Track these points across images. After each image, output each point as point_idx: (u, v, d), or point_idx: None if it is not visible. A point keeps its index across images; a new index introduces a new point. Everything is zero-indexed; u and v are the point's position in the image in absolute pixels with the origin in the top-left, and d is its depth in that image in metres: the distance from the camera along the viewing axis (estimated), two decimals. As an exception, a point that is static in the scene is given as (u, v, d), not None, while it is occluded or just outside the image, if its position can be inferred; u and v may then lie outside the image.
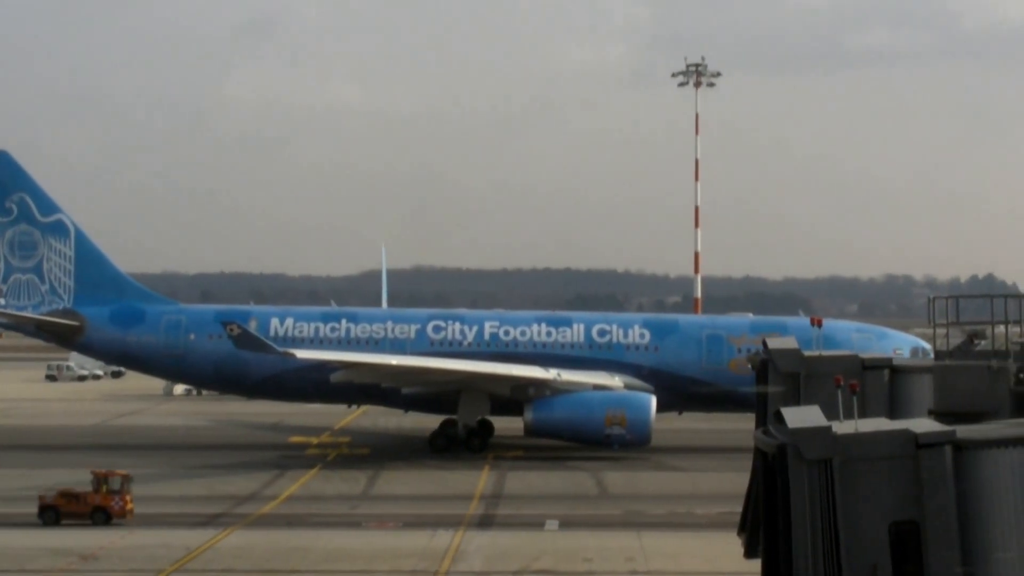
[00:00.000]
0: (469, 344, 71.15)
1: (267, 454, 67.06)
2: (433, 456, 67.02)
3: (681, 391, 69.30)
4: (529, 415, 66.12)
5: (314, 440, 73.61)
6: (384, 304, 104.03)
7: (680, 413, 71.88)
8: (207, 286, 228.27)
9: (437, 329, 71.73)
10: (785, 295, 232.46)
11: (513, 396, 67.03)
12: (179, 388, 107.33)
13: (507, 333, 71.46)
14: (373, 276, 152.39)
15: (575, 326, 71.71)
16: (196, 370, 72.71)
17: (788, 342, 30.83)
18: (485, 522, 48.57)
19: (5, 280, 73.24)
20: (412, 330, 71.64)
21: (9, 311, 72.79)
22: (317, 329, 71.82)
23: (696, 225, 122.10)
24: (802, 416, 19.42)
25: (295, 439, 74.21)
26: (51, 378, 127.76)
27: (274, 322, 71.68)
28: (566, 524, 48.09)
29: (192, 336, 71.54)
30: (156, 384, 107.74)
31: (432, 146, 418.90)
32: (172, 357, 71.97)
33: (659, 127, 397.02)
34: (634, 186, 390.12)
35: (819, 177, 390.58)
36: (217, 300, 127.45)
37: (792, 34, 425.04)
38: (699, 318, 76.27)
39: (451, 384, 67.68)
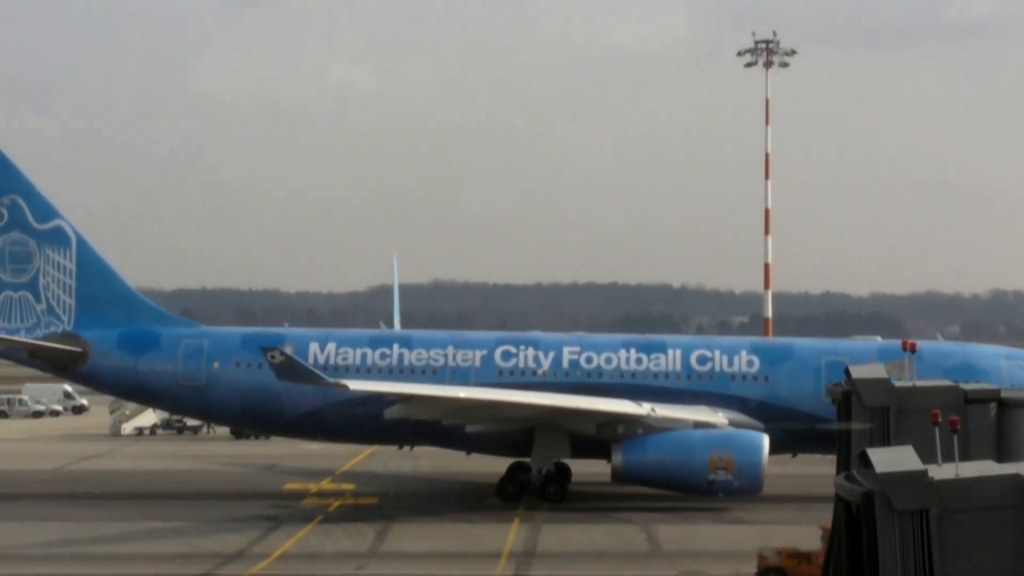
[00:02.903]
0: (544, 373, 70.72)
1: (257, 503, 67.10)
2: (454, 507, 66.87)
3: (795, 429, 68.43)
4: (618, 458, 65.65)
5: (312, 487, 73.66)
6: (396, 325, 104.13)
7: (794, 455, 71.21)
8: (187, 304, 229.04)
9: (507, 356, 71.33)
10: (873, 314, 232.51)
11: (599, 435, 66.56)
12: (128, 427, 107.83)
13: (589, 360, 70.91)
14: (383, 293, 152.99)
15: (670, 352, 71.11)
16: (220, 404, 72.16)
17: (875, 370, 30.74)
18: (515, 585, 48.52)
19: None
20: (477, 357, 71.22)
21: None
22: (364, 355, 71.48)
23: (766, 232, 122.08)
24: (892, 458, 19.31)
25: (290, 485, 74.30)
26: (1, 414, 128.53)
27: (313, 347, 71.42)
28: (612, 587, 47.96)
29: (216, 364, 71.24)
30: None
31: (453, 141, 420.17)
32: (192, 388, 71.55)
33: (721, 116, 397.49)
34: (692, 186, 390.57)
35: (913, 175, 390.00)
36: (201, 320, 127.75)
37: (880, 3, 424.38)
38: (817, 342, 75.04)
39: (524, 421, 67.37)
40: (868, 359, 66.17)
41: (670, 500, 66.97)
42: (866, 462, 19.47)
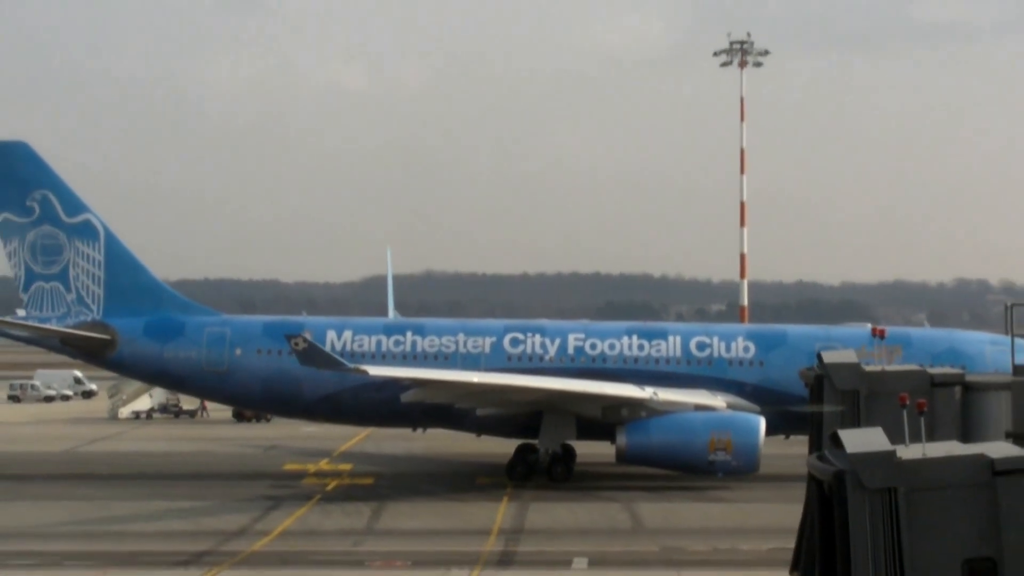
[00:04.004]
0: (551, 359, 70.82)
1: (258, 484, 67.11)
2: (446, 487, 66.89)
3: (789, 411, 68.26)
4: (623, 439, 65.57)
5: (311, 467, 73.67)
6: (391, 314, 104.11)
7: (787, 437, 71.09)
8: (190, 294, 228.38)
9: (515, 342, 71.44)
10: (843, 302, 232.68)
11: (604, 418, 66.65)
12: (125, 411, 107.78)
13: (594, 347, 71.02)
14: (377, 283, 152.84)
15: (671, 338, 71.32)
16: (242, 389, 72.28)
17: (846, 355, 30.79)
18: (505, 560, 48.41)
19: (26, 289, 72.78)
20: (487, 343, 71.38)
21: (31, 323, 72.33)
22: (379, 342, 71.61)
23: (742, 224, 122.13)
24: (862, 439, 19.34)
25: (290, 466, 74.31)
26: (14, 399, 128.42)
27: (330, 334, 71.47)
28: (596, 562, 47.85)
29: (238, 351, 71.40)
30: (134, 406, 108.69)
31: (444, 137, 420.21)
32: (215, 374, 71.67)
33: (699, 113, 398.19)
34: (671, 180, 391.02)
35: (881, 169, 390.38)
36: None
37: (850, 5, 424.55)
38: (811, 329, 74.93)
39: (533, 404, 67.48)
40: (859, 345, 65.99)
41: (651, 479, 67.15)
42: (837, 443, 19.51)
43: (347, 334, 71.89)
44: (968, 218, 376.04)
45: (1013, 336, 32.03)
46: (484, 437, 72.07)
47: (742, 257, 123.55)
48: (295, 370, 66.36)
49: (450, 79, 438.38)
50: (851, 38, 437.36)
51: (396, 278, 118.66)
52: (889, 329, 74.81)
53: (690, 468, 65.61)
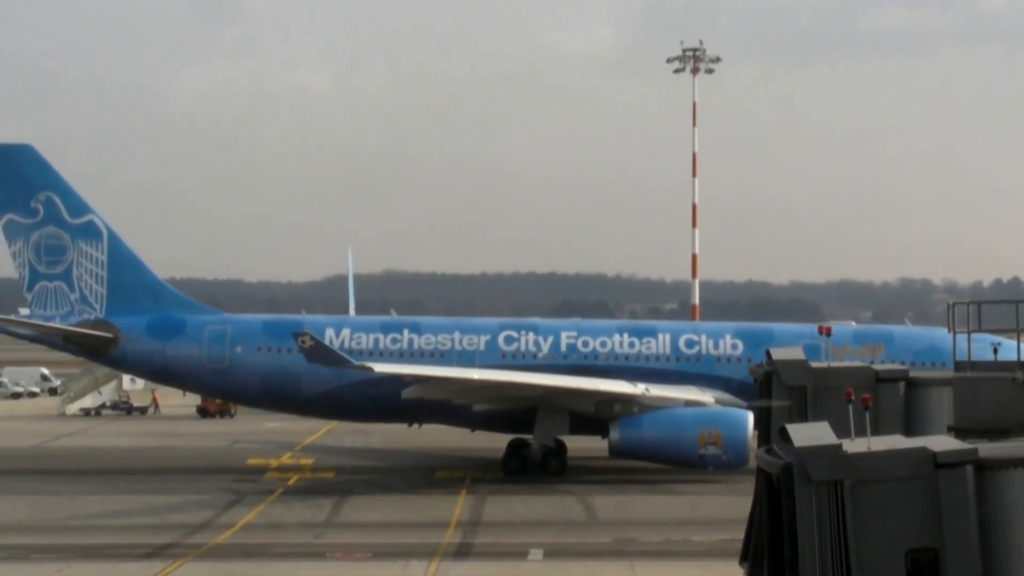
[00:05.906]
0: (544, 356, 70.80)
1: (221, 478, 66.81)
2: (405, 480, 66.81)
3: None
4: (616, 434, 65.63)
5: (273, 462, 73.45)
6: (352, 312, 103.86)
7: None
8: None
9: (509, 340, 71.41)
10: (792, 301, 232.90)
11: (597, 413, 66.62)
12: (73, 408, 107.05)
13: (586, 344, 71.11)
14: (339, 282, 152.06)
15: (660, 336, 71.42)
16: (242, 385, 72.14)
17: (794, 352, 30.90)
18: (463, 551, 48.38)
19: (31, 288, 72.53)
20: (481, 341, 71.29)
21: (35, 321, 72.11)
22: (377, 340, 71.50)
23: (694, 225, 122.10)
24: (809, 433, 19.40)
25: (253, 461, 74.03)
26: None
27: (329, 332, 71.11)
28: (552, 553, 47.83)
29: (239, 349, 71.20)
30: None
31: (403, 141, 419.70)
32: (216, 371, 71.50)
33: (652, 118, 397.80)
34: (625, 182, 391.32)
35: (828, 173, 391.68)
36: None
37: (798, 15, 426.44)
38: (797, 327, 74.97)
39: (528, 400, 67.36)
40: (843, 343, 66.63)
41: (607, 473, 67.23)
42: (785, 437, 19.56)
43: (345, 332, 71.83)
44: (912, 219, 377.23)
45: (955, 334, 32.09)
46: (453, 433, 72.19)
47: (694, 257, 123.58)
48: (294, 367, 66.92)
49: (408, 83, 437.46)
50: (800, 47, 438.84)
51: (357, 277, 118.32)
52: (871, 328, 75.55)
53: (681, 462, 65.61)
